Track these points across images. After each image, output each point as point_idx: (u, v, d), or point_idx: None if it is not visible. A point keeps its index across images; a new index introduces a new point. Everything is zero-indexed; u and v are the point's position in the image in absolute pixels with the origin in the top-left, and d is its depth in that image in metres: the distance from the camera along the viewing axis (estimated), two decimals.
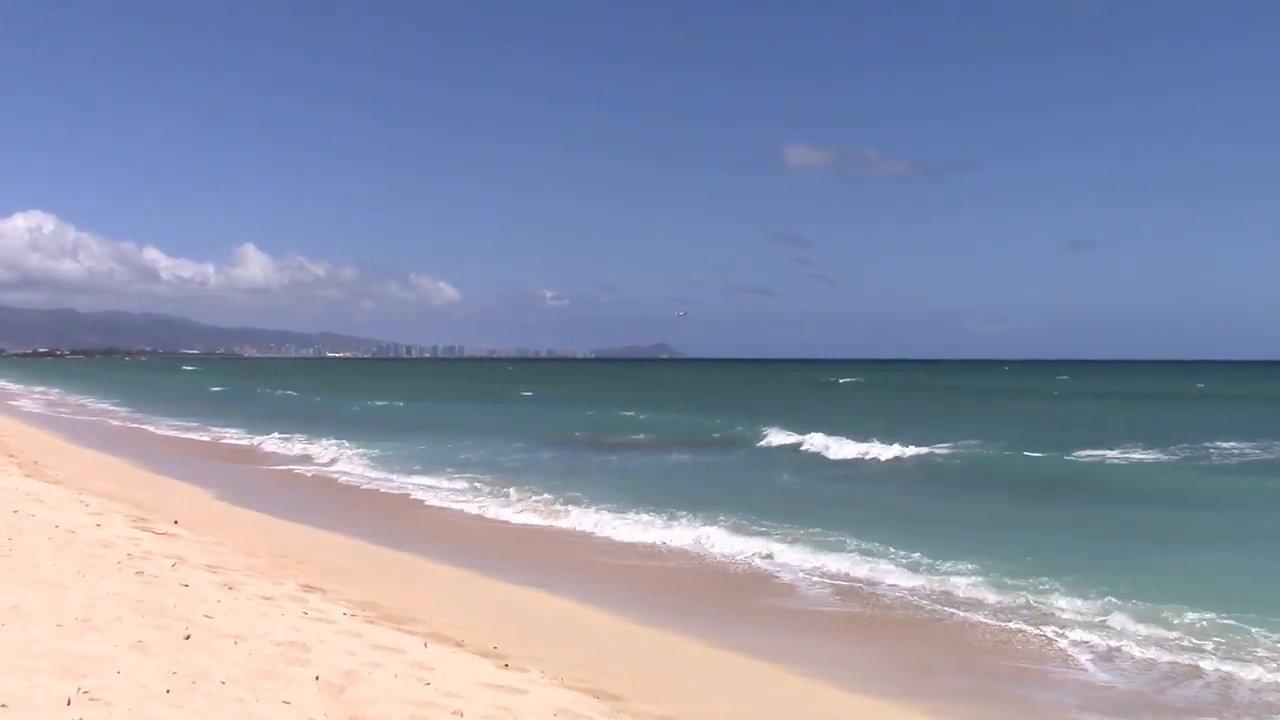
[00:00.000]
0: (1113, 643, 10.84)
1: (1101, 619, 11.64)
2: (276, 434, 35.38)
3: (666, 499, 19.95)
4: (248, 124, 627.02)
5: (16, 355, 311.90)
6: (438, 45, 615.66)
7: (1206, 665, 10.15)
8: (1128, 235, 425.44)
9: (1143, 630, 11.18)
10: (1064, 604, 12.23)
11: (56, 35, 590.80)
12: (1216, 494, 21.59)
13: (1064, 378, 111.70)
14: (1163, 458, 28.80)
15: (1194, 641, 10.81)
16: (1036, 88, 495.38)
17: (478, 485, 23.07)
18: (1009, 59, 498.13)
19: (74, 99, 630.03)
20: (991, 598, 12.66)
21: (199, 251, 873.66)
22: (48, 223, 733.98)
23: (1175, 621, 11.43)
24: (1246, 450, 30.49)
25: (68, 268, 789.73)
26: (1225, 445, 31.47)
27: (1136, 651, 10.57)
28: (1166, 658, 10.38)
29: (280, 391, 73.09)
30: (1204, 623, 11.33)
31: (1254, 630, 11.13)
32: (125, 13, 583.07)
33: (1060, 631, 11.29)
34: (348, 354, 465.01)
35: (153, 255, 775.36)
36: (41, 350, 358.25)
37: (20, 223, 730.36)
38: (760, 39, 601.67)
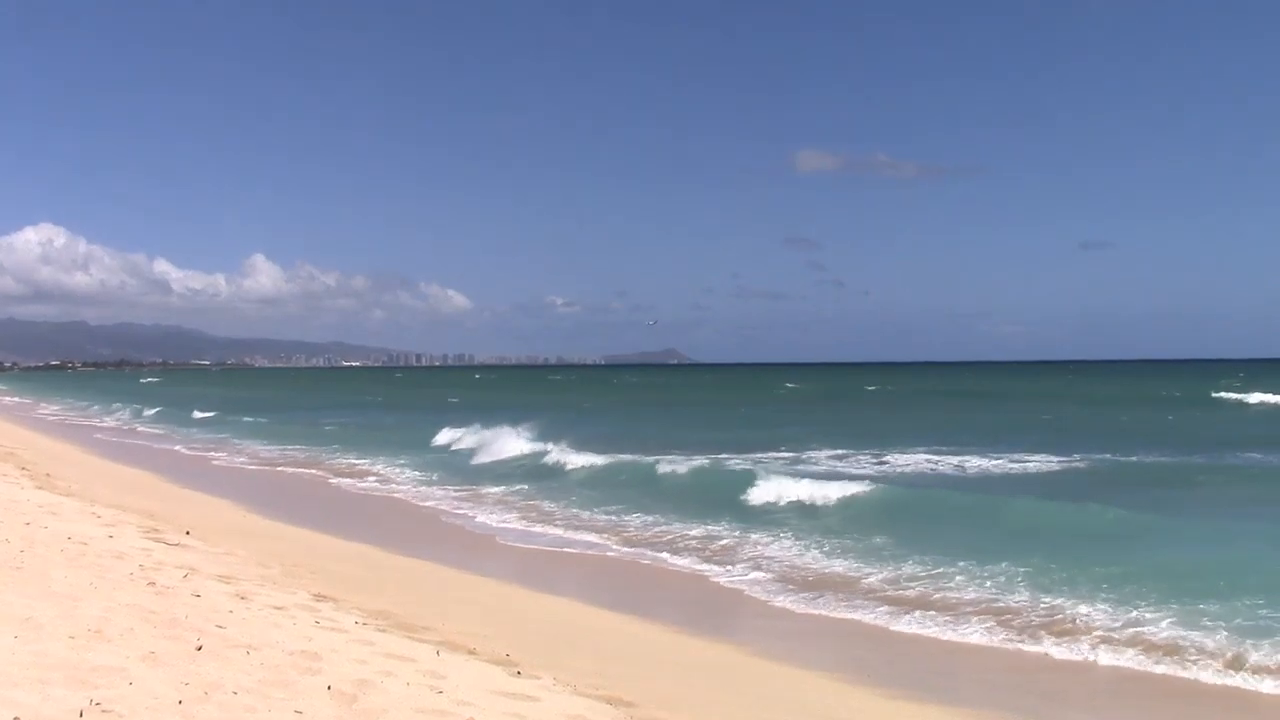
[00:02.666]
0: None
1: None
2: (293, 446, 35.46)
3: None
4: (256, 135, 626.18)
5: (28, 369, 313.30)
6: (447, 55, 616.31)
7: None
8: (1141, 234, 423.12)
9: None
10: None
11: (64, 50, 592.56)
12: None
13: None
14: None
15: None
16: (1047, 90, 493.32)
17: (488, 493, 23.10)
18: (1018, 62, 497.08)
19: (83, 113, 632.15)
20: None
21: (209, 263, 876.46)
22: (59, 236, 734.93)
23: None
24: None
25: (79, 280, 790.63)
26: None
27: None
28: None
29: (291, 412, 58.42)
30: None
31: None
32: (133, 25, 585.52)
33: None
34: (358, 363, 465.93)
35: (163, 267, 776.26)
36: (54, 363, 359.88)
37: (31, 236, 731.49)
38: (770, 44, 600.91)
